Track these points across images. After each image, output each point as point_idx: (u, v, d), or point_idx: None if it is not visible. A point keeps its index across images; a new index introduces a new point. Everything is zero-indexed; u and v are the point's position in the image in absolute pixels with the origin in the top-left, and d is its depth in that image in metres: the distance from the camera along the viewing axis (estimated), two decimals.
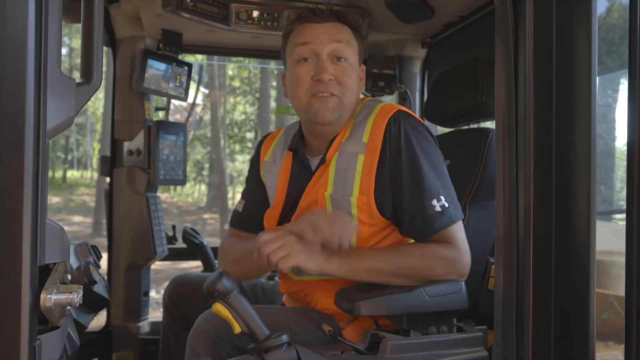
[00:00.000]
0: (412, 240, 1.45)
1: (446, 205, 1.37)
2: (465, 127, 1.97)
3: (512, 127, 1.05)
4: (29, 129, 0.71)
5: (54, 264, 0.79)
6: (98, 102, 18.55)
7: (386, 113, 1.43)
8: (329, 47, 1.44)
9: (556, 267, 1.00)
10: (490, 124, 1.92)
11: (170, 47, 2.31)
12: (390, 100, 3.30)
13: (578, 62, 1.01)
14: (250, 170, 1.74)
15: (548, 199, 1.01)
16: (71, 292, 0.77)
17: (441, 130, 2.40)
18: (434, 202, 1.36)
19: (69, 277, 0.83)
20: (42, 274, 0.76)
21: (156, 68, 2.32)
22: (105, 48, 2.40)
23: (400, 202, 1.40)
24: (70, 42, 17.46)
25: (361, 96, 1.60)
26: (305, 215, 1.42)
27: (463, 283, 1.37)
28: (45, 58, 0.73)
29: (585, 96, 1.01)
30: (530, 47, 1.01)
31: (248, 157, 19.84)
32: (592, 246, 0.99)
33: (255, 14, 2.15)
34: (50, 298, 0.75)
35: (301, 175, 1.54)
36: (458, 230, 1.39)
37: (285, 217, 1.55)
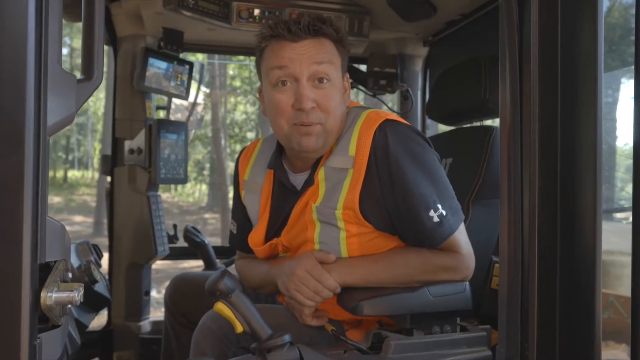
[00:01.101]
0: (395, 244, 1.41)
1: (444, 213, 1.30)
2: (468, 125, 1.96)
3: (517, 124, 1.04)
4: (29, 125, 0.70)
5: (55, 262, 0.78)
6: (99, 102, 18.55)
7: (372, 123, 1.33)
8: (309, 70, 1.31)
9: (562, 266, 0.99)
10: (492, 122, 1.91)
11: (172, 45, 2.30)
12: (391, 99, 3.29)
13: (584, 59, 1.00)
14: (234, 190, 1.67)
15: (553, 198, 1.00)
16: (72, 291, 0.76)
17: (442, 128, 2.39)
18: (431, 213, 1.29)
19: (70, 275, 0.83)
20: (43, 272, 0.75)
21: (157, 66, 2.31)
22: (106, 47, 2.40)
23: (397, 218, 1.33)
24: (71, 42, 17.45)
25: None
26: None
27: (467, 283, 1.36)
28: (45, 54, 0.72)
29: (591, 93, 0.99)
30: (536, 43, 1.00)
31: None
32: (597, 245, 0.98)
33: (257, 12, 2.14)
34: (50, 296, 0.75)
35: (284, 193, 1.47)
36: (459, 236, 1.34)
37: (271, 233, 1.48)
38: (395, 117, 1.39)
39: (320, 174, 1.37)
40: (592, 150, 1.00)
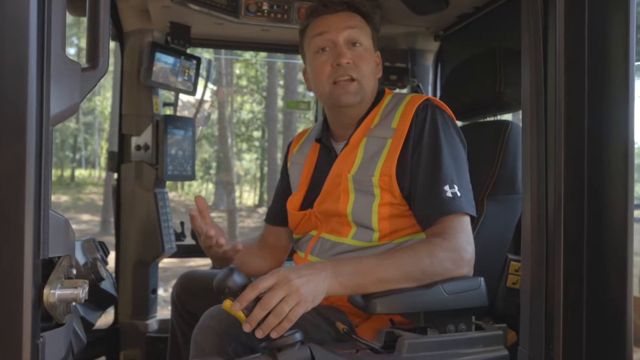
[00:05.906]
0: (419, 227, 1.42)
1: (458, 194, 1.36)
2: (482, 120, 1.92)
3: (541, 118, 0.99)
4: (31, 113, 0.67)
5: (58, 257, 0.75)
6: (106, 102, 18.62)
7: (416, 101, 1.48)
8: (344, 33, 1.51)
9: (589, 263, 0.93)
10: (507, 116, 1.87)
11: (179, 40, 2.27)
12: None
13: (613, 48, 0.95)
14: (281, 169, 1.85)
15: (579, 192, 0.95)
16: (76, 287, 0.73)
17: None
18: (446, 187, 1.36)
19: (74, 271, 0.79)
20: (46, 269, 0.72)
21: (164, 61, 2.29)
22: (112, 42, 2.37)
23: (414, 183, 1.41)
24: (78, 42, 17.51)
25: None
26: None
27: (482, 279, 1.32)
28: (48, 38, 0.69)
29: (621, 84, 0.94)
30: (561, 33, 0.95)
31: (255, 155, 19.89)
32: (629, 241, 0.92)
33: (265, 6, 2.11)
34: (54, 293, 0.71)
35: (326, 161, 1.60)
36: (464, 223, 1.35)
37: (307, 202, 1.60)
38: (439, 101, 1.52)
39: (363, 141, 1.50)
40: (623, 144, 0.94)
